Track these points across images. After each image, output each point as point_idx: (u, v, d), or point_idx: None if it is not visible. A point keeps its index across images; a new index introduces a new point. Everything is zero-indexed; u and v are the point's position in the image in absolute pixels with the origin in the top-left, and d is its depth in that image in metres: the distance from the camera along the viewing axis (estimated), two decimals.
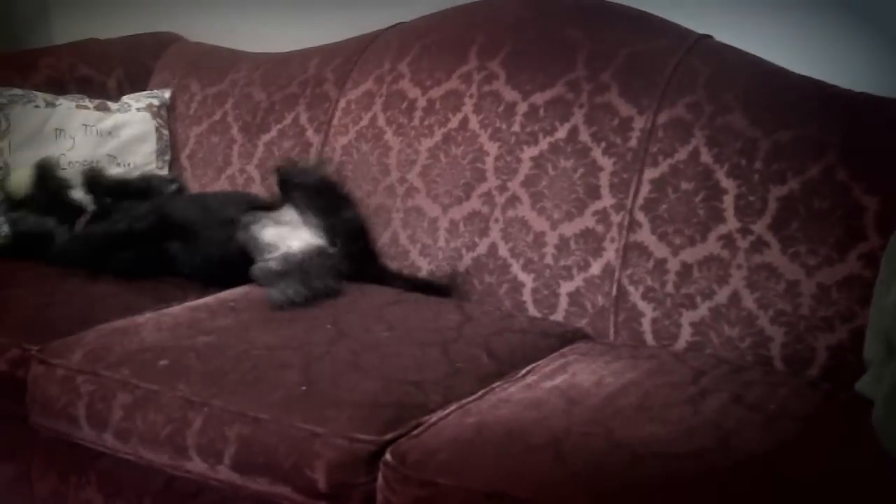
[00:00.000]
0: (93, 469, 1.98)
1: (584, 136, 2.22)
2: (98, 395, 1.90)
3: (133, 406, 1.86)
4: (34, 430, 2.05)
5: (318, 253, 2.26)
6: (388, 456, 1.65)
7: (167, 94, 2.81)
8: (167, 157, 2.74)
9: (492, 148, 2.31)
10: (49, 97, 2.70)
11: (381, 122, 2.47)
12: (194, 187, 2.71)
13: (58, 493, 2.03)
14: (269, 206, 2.36)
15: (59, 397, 1.96)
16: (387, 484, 1.63)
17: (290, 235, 2.29)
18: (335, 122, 2.54)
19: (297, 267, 2.20)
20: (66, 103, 2.70)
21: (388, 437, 1.69)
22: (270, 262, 2.23)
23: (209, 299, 2.22)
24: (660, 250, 2.10)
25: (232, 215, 2.34)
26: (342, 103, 2.55)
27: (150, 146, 2.72)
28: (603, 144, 2.20)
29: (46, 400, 1.98)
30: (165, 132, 2.75)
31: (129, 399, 1.87)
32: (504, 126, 2.30)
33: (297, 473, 1.70)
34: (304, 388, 1.78)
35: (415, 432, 1.70)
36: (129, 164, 2.68)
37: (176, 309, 2.17)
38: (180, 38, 3.04)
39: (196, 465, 1.79)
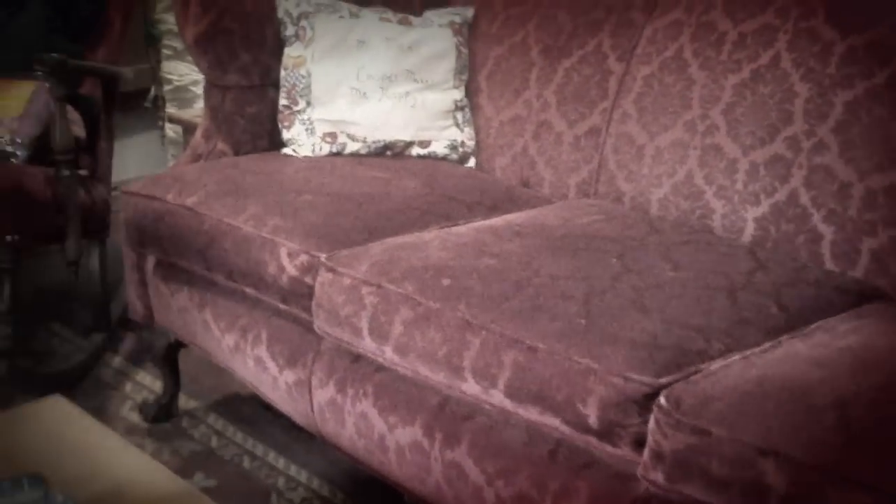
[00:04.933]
0: (370, 382, 2.02)
1: None
2: (381, 308, 1.94)
3: (414, 322, 1.88)
4: (318, 336, 2.12)
5: None
6: (662, 399, 1.60)
7: (469, 12, 2.79)
8: (464, 77, 2.74)
9: (802, 89, 2.17)
10: (354, 8, 2.74)
11: (686, 53, 2.37)
12: (489, 109, 2.70)
13: (334, 404, 2.09)
14: None
15: (343, 306, 2.01)
16: (658, 427, 1.59)
17: None
18: (639, 50, 2.46)
19: None
20: (369, 15, 2.73)
21: (664, 380, 1.63)
22: None
23: (496, 221, 2.21)
24: None
25: None
26: (648, 31, 2.46)
27: (449, 64, 2.71)
28: None
29: (332, 307, 2.04)
30: (465, 51, 2.74)
31: (410, 315, 1.89)
32: (818, 67, 2.16)
33: (568, 406, 1.68)
34: (582, 321, 1.75)
35: (692, 378, 1.64)
36: (426, 81, 2.69)
37: (462, 228, 2.18)
38: None
39: (470, 387, 1.80)
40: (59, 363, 3.00)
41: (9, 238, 2.53)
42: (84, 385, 2.88)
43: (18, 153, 2.76)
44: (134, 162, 3.50)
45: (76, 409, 1.85)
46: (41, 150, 2.80)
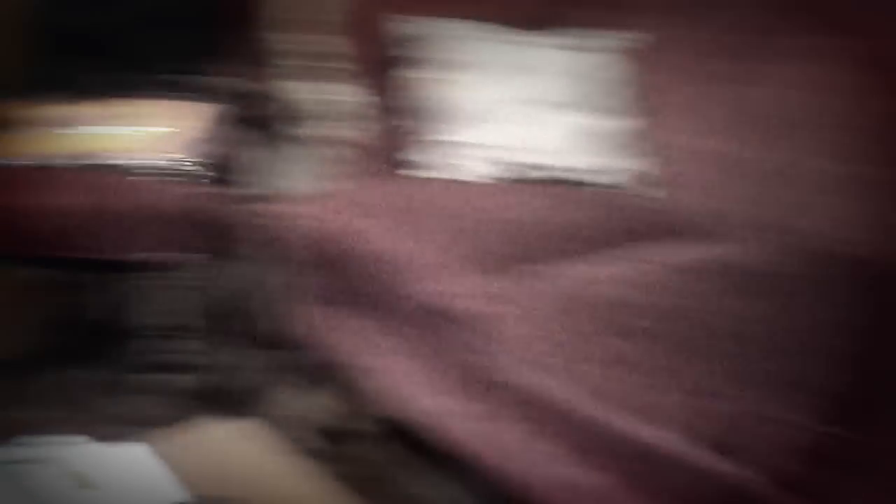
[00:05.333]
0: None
1: None
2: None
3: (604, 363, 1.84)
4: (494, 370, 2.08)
5: None
6: None
7: (646, 37, 2.73)
8: (639, 104, 2.70)
9: None
10: (525, 32, 2.73)
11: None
12: (664, 137, 2.66)
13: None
14: None
15: (531, 341, 1.97)
16: None
17: None
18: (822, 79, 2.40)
19: None
20: (541, 40, 2.72)
21: None
22: None
23: (675, 255, 2.16)
24: None
25: None
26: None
27: (623, 90, 2.68)
28: None
29: (512, 342, 2.00)
30: (640, 77, 2.70)
31: (602, 355, 1.84)
32: None
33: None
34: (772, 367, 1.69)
35: None
36: (598, 107, 2.67)
37: (638, 262, 2.13)
38: None
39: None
40: (240, 379, 3.07)
41: (199, 256, 2.61)
42: (258, 401, 2.94)
43: (202, 174, 2.84)
44: (282, 177, 3.56)
45: (268, 432, 1.89)
46: (221, 170, 2.89)
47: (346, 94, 3.45)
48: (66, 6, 3.06)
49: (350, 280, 2.42)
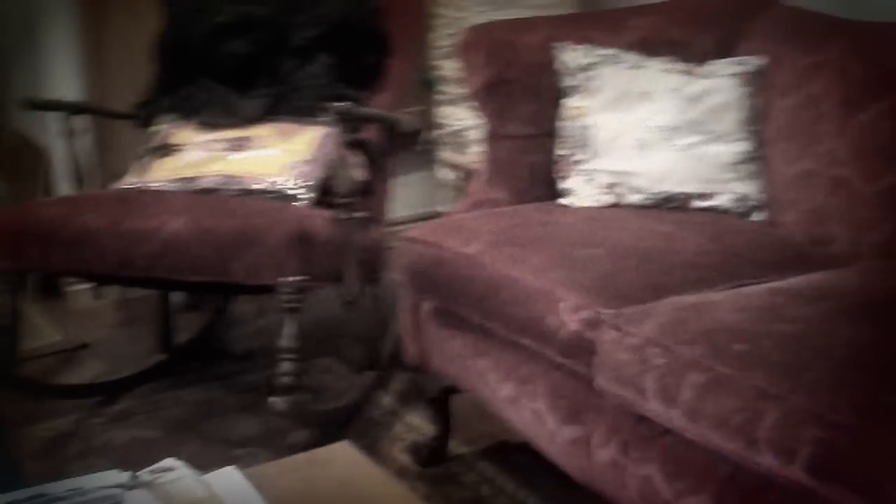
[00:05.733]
0: (656, 445, 1.96)
1: None
2: (669, 371, 1.88)
3: (704, 387, 1.81)
4: (598, 394, 2.08)
5: None
6: None
7: (759, 62, 2.70)
8: (752, 129, 2.65)
9: None
10: (637, 58, 2.71)
11: None
12: (778, 162, 2.60)
13: (617, 465, 2.04)
14: None
15: (628, 366, 1.96)
16: None
17: None
18: None
19: None
20: (653, 65, 2.70)
21: None
22: None
23: (788, 282, 2.12)
24: None
25: None
26: None
27: (736, 115, 2.63)
28: None
29: (615, 366, 1.99)
30: (753, 101, 2.65)
31: (700, 379, 1.83)
32: None
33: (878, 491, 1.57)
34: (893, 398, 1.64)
35: None
36: (711, 132, 2.62)
37: (753, 289, 2.10)
38: (776, 1, 2.92)
39: (766, 460, 1.72)
40: (332, 400, 3.09)
41: (294, 279, 2.61)
42: (356, 423, 2.95)
43: (305, 196, 2.86)
44: (403, 201, 3.57)
45: (363, 456, 1.88)
46: (324, 192, 2.90)
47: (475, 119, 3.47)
48: (213, 33, 3.11)
49: (468, 305, 2.40)
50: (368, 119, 3.03)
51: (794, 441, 1.67)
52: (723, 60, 2.74)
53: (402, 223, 3.43)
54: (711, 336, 1.88)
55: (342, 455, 1.89)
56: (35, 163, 3.69)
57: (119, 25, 3.58)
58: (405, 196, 3.48)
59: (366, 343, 3.17)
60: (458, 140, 3.69)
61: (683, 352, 1.87)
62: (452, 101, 3.69)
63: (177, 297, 3.40)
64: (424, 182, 3.97)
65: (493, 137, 2.79)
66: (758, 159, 2.63)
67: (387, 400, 3.08)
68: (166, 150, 3.01)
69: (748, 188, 2.61)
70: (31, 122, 3.67)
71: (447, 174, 3.75)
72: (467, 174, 3.42)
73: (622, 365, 1.98)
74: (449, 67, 3.64)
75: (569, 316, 2.13)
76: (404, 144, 3.38)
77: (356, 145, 2.83)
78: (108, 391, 3.12)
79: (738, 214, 2.61)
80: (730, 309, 1.97)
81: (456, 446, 2.80)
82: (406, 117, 3.13)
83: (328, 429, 2.74)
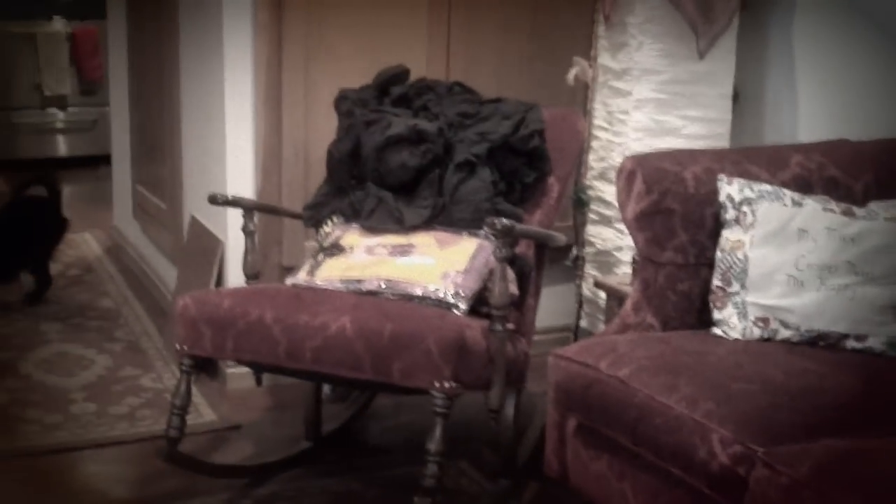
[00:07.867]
0: None
1: None
2: None
3: None
4: None
5: None
6: None
7: None
8: None
9: None
10: (797, 196, 2.76)
11: None
12: None
13: None
14: None
15: None
16: None
17: None
18: None
19: None
20: (812, 204, 2.75)
21: None
22: None
23: None
24: None
25: None
26: None
27: (894, 258, 2.66)
28: None
29: None
30: None
31: None
32: None
33: None
34: None
35: None
36: (867, 274, 2.66)
37: None
38: None
39: None
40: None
41: (447, 385, 2.70)
42: None
43: (461, 305, 2.96)
44: (546, 313, 3.65)
45: None
46: (477, 302, 3.00)
47: (622, 241, 3.56)
48: (385, 145, 3.26)
49: (618, 428, 2.46)
50: (527, 236, 3.14)
51: None
52: (882, 202, 2.79)
53: (541, 333, 3.51)
54: (868, 485, 1.90)
55: None
56: (212, 253, 3.87)
57: (291, 126, 3.77)
58: (545, 307, 3.56)
59: (502, 449, 3.23)
60: (604, 259, 3.77)
61: (838, 498, 1.90)
62: (602, 222, 3.77)
63: (326, 388, 3.51)
64: (565, 295, 4.04)
65: (646, 263, 2.85)
66: None
67: None
68: (336, 250, 3.16)
69: None
70: (212, 215, 3.89)
71: (590, 290, 3.83)
72: (613, 294, 3.49)
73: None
74: (601, 189, 3.73)
75: (721, 449, 2.18)
76: (553, 259, 3.48)
77: (510, 260, 2.92)
78: (256, 474, 3.23)
79: (891, 357, 2.62)
80: (888, 458, 1.99)
81: None
82: (558, 235, 3.24)
83: None
